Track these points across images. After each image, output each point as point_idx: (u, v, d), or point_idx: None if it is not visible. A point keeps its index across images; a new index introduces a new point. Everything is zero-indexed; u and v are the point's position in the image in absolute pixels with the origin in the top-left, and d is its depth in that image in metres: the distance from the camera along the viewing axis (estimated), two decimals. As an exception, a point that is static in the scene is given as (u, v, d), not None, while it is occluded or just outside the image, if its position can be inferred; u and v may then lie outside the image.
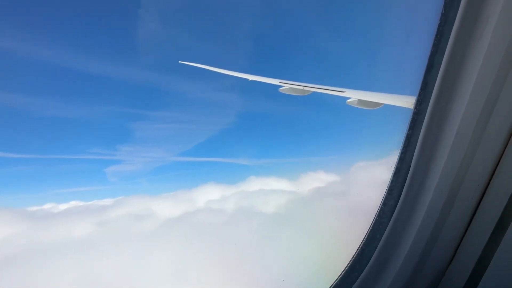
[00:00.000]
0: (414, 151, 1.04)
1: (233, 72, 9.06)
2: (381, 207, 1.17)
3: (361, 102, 6.17)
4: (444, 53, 0.88)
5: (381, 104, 5.98)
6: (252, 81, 8.23)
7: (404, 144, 1.07)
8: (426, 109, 0.97)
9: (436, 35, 0.91)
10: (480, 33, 0.82)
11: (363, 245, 1.22)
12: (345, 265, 1.26)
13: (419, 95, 0.98)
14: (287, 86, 7.04)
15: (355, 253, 1.24)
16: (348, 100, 6.40)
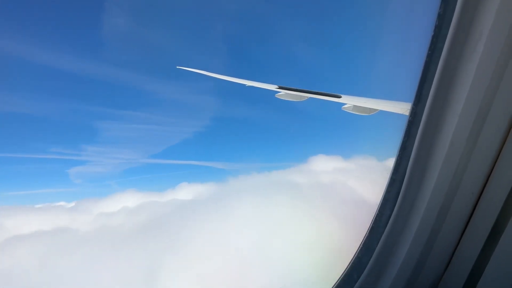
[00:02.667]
0: (408, 161, 1.05)
1: (231, 77, 9.09)
2: (376, 216, 1.17)
3: (356, 108, 6.24)
4: (437, 66, 0.90)
5: (376, 110, 6.05)
6: (249, 86, 8.27)
7: (398, 155, 1.09)
8: (420, 122, 0.99)
9: (430, 46, 0.93)
10: (473, 47, 0.84)
11: (358, 254, 1.22)
12: (340, 274, 1.26)
13: (413, 107, 1.01)
14: (283, 92, 7.09)
15: (351, 261, 1.23)
16: (344, 106, 6.46)
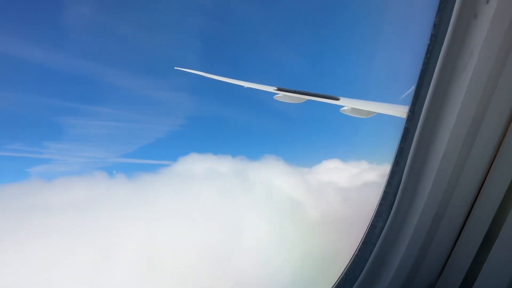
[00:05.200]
0: (403, 168, 1.06)
1: (229, 79, 9.09)
2: (372, 222, 1.18)
3: (354, 110, 6.26)
4: (432, 77, 0.92)
5: (374, 112, 6.07)
6: (247, 88, 8.27)
7: (394, 162, 1.10)
8: (414, 133, 1.01)
9: (426, 55, 0.94)
10: (464, 65, 0.86)
11: (352, 261, 1.22)
12: (334, 283, 1.26)
13: (409, 114, 1.02)
14: (282, 94, 7.09)
15: (345, 269, 1.24)
16: (342, 108, 6.48)
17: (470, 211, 1.01)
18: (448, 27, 0.85)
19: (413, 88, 0.98)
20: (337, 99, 6.62)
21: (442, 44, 0.87)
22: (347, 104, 6.44)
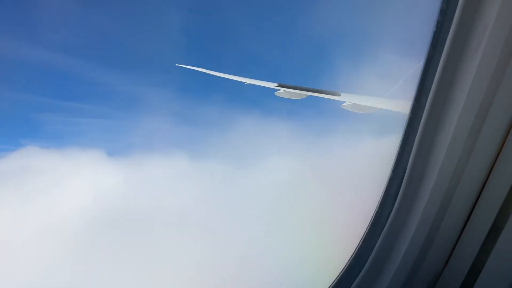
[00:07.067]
0: (409, 158, 1.06)
1: (230, 75, 9.09)
2: (377, 213, 1.18)
3: (355, 106, 6.25)
4: (438, 62, 0.90)
5: (376, 108, 6.06)
6: (249, 84, 8.26)
7: (399, 151, 1.09)
8: (421, 118, 0.99)
9: (432, 43, 0.93)
10: (476, 45, 0.84)
11: (358, 250, 1.22)
12: (340, 270, 1.26)
13: (414, 103, 1.01)
14: (282, 90, 7.09)
15: (351, 258, 1.24)
16: (343, 104, 6.47)
17: (476, 201, 1.00)
18: (457, 2, 0.82)
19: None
20: (338, 95, 6.61)
21: (451, 22, 0.84)
22: (348, 99, 6.43)
